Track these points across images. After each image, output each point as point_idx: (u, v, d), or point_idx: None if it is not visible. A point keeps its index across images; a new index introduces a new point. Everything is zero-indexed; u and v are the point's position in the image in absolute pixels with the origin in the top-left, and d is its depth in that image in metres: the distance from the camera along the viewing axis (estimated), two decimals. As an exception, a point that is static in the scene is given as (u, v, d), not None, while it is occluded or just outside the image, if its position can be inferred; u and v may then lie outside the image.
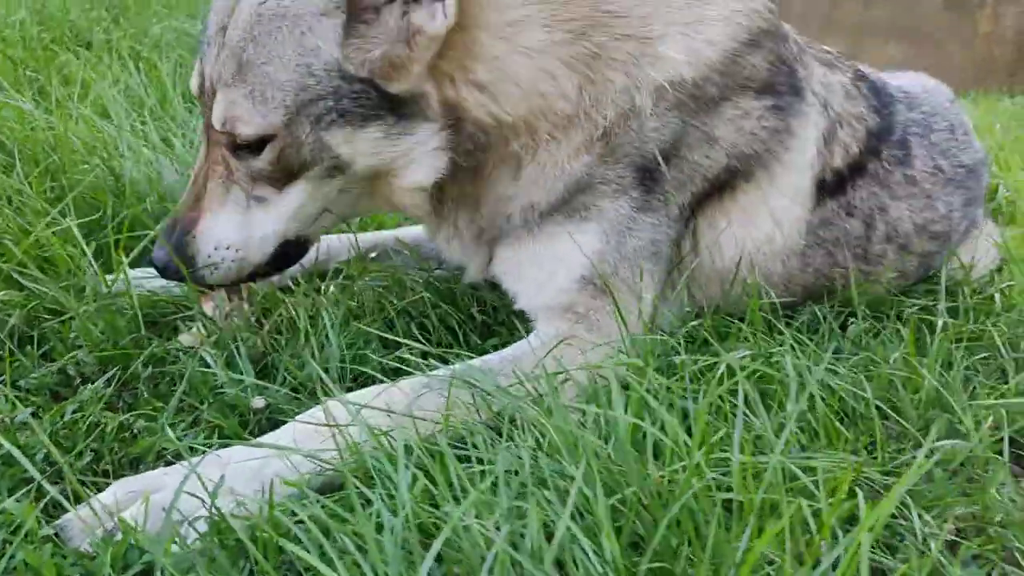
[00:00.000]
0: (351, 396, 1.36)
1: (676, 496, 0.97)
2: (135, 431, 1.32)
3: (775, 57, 1.79)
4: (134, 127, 2.69)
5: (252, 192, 1.58)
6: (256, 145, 1.51)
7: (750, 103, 1.75)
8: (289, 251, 1.66)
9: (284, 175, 1.55)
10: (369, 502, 1.03)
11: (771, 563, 0.99)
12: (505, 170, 1.66)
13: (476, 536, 0.88)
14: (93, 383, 1.43)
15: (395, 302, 1.82)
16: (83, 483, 1.20)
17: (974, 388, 1.72)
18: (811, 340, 1.75)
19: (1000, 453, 1.44)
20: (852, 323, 1.85)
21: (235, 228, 1.58)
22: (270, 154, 1.52)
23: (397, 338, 1.62)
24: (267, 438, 1.28)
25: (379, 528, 0.95)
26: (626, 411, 1.21)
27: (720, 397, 1.38)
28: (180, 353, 1.55)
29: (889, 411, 1.51)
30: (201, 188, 1.59)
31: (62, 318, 1.61)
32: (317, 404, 1.36)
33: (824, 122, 1.89)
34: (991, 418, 1.51)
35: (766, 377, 1.50)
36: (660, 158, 1.66)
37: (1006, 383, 1.72)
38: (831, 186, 1.93)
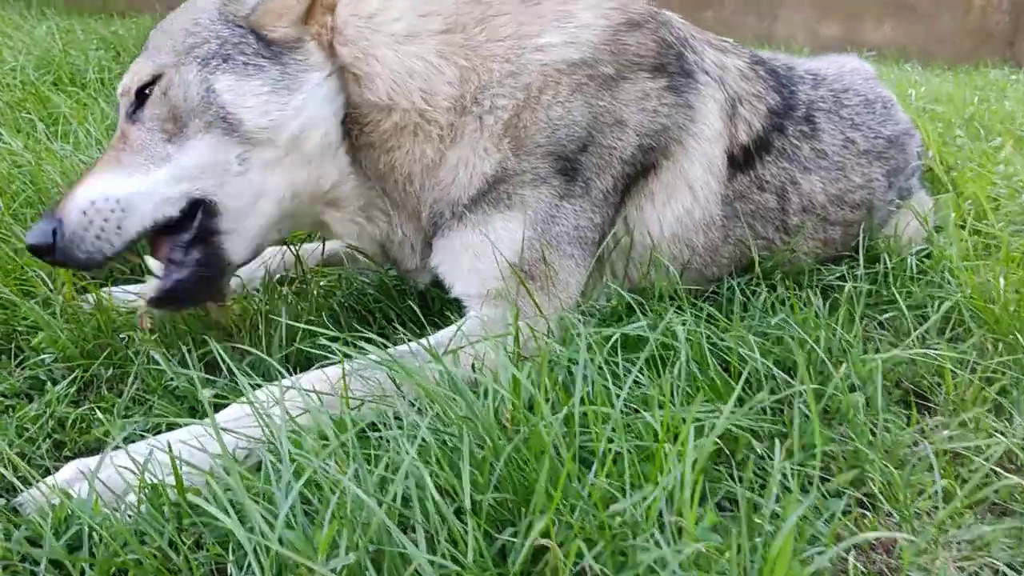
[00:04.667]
0: (285, 381, 1.53)
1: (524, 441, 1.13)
2: (92, 422, 1.50)
3: (659, 39, 1.93)
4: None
5: (147, 151, 1.61)
6: (149, 95, 1.63)
7: (647, 84, 1.89)
8: (201, 232, 1.65)
9: (176, 125, 1.61)
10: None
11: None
12: (417, 165, 1.80)
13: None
14: (59, 384, 1.62)
15: (341, 299, 1.99)
16: (48, 469, 1.39)
17: (877, 347, 1.85)
18: (728, 313, 1.89)
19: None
20: (764, 291, 1.99)
21: (118, 184, 1.59)
22: (158, 92, 1.61)
23: (336, 333, 1.78)
24: (204, 421, 1.45)
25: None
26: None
27: (615, 363, 1.53)
28: (137, 353, 1.72)
29: (781, 372, 1.64)
30: (95, 164, 1.66)
31: (36, 331, 1.80)
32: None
33: (723, 98, 2.02)
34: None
35: (667, 345, 1.64)
36: (573, 145, 1.81)
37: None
38: (740, 161, 2.07)
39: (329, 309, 1.95)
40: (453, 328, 1.71)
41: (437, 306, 1.99)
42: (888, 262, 2.18)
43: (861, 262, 2.12)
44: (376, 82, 1.75)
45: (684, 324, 1.60)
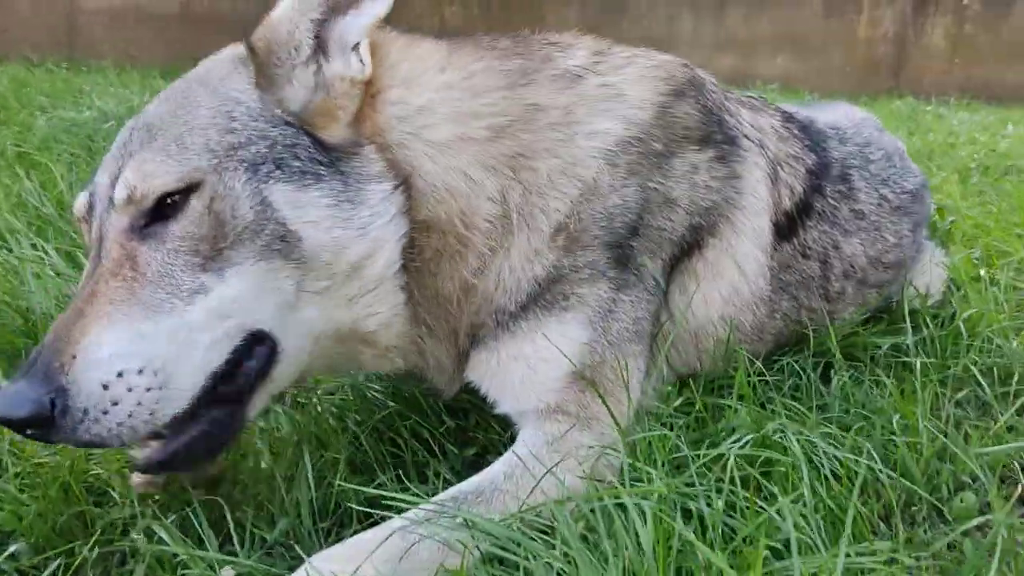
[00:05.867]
0: (333, 554, 1.22)
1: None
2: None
3: (702, 107, 1.75)
4: (34, 245, 2.48)
5: (172, 281, 1.23)
6: (175, 205, 1.26)
7: (695, 156, 1.70)
8: (240, 381, 1.30)
9: (213, 247, 1.26)
10: None
11: None
12: (456, 289, 1.52)
13: None
14: (34, 578, 1.25)
15: (359, 418, 1.69)
16: None
17: (966, 432, 1.69)
18: (794, 398, 1.70)
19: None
20: (834, 373, 1.81)
21: (151, 339, 1.19)
22: (199, 207, 1.25)
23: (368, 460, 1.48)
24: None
25: None
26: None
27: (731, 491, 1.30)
28: (127, 524, 1.37)
29: (891, 473, 1.45)
30: (87, 299, 1.22)
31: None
32: (296, 563, 1.23)
33: (765, 163, 1.85)
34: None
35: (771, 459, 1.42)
36: (625, 231, 1.59)
37: (992, 419, 1.71)
38: (784, 229, 1.90)
39: (349, 435, 1.63)
40: (516, 456, 1.44)
41: (472, 418, 1.71)
42: (928, 324, 2.05)
43: (908, 331, 1.96)
44: (418, 200, 1.46)
45: (797, 438, 1.38)
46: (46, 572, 1.26)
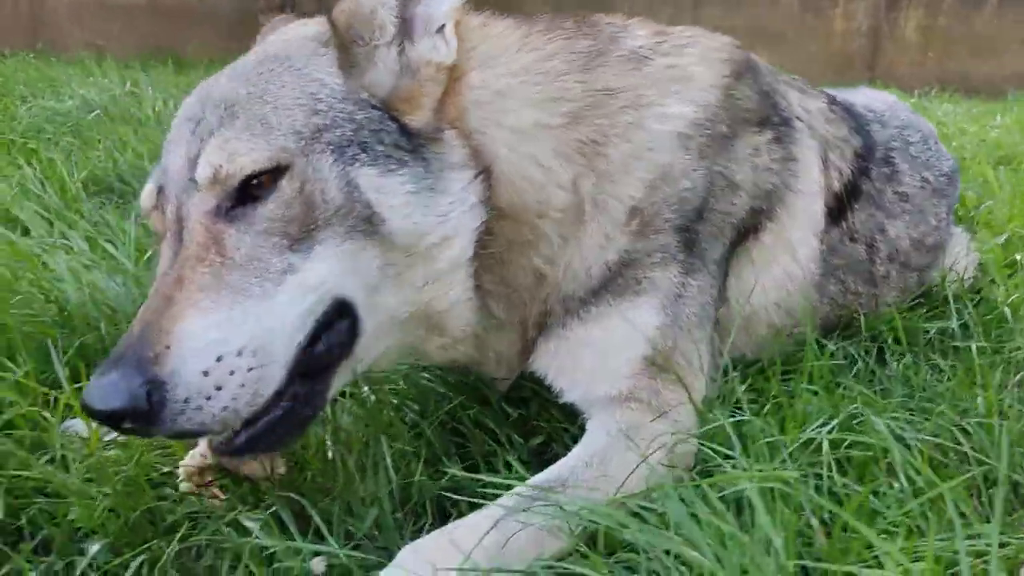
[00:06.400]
0: (429, 544, 1.18)
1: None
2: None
3: (759, 89, 1.74)
4: (49, 232, 2.39)
5: (261, 264, 1.20)
6: (262, 186, 1.23)
7: (756, 138, 1.69)
8: (322, 353, 1.27)
9: (302, 229, 1.23)
10: None
11: None
12: (526, 279, 1.50)
13: None
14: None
15: (417, 408, 1.64)
16: None
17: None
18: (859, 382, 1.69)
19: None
20: (891, 357, 1.80)
21: (243, 323, 1.17)
22: (289, 189, 1.22)
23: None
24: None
25: None
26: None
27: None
28: (206, 518, 1.31)
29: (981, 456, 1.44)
30: (173, 286, 1.19)
31: (46, 495, 1.34)
32: (383, 554, 1.21)
33: (817, 145, 1.84)
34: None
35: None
36: (693, 214, 1.56)
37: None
38: (834, 212, 1.89)
39: (410, 426, 1.59)
40: (594, 445, 1.41)
41: (533, 407, 1.67)
42: (970, 308, 2.05)
43: (952, 315, 1.96)
44: (495, 188, 1.42)
45: (885, 421, 1.37)
46: (129, 572, 1.19)
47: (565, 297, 1.51)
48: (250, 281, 1.19)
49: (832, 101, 2.03)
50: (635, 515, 1.18)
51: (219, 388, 1.12)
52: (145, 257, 2.18)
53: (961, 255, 2.33)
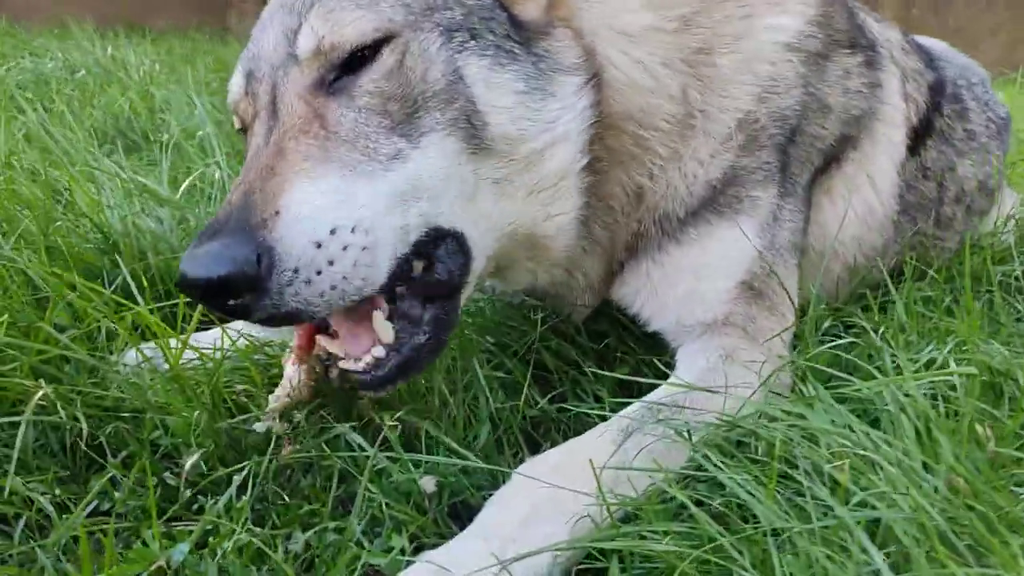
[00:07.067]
0: (547, 462, 1.12)
1: None
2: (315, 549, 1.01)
3: (848, 10, 1.69)
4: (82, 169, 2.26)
5: (367, 142, 1.10)
6: (365, 59, 1.13)
7: (847, 60, 1.63)
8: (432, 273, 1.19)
9: (403, 109, 1.14)
10: None
11: None
12: (622, 194, 1.43)
13: None
14: (212, 495, 1.11)
15: (492, 340, 1.57)
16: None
17: None
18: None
19: None
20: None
21: (352, 198, 1.06)
22: (390, 60, 1.13)
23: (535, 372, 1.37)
24: (492, 526, 1.02)
25: None
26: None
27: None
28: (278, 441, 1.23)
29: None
30: (275, 156, 1.08)
31: (122, 413, 1.25)
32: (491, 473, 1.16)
33: (898, 72, 1.79)
34: None
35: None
36: (790, 135, 1.51)
37: None
38: (910, 146, 1.83)
39: (490, 355, 1.52)
40: (694, 370, 1.35)
41: (612, 339, 1.61)
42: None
43: (1015, 255, 1.93)
44: (604, 95, 1.34)
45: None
46: (232, 487, 1.11)
47: (661, 217, 1.45)
48: (357, 158, 1.09)
49: (905, 34, 1.99)
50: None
51: (331, 263, 1.02)
52: (182, 188, 2.07)
53: (1012, 209, 2.30)
